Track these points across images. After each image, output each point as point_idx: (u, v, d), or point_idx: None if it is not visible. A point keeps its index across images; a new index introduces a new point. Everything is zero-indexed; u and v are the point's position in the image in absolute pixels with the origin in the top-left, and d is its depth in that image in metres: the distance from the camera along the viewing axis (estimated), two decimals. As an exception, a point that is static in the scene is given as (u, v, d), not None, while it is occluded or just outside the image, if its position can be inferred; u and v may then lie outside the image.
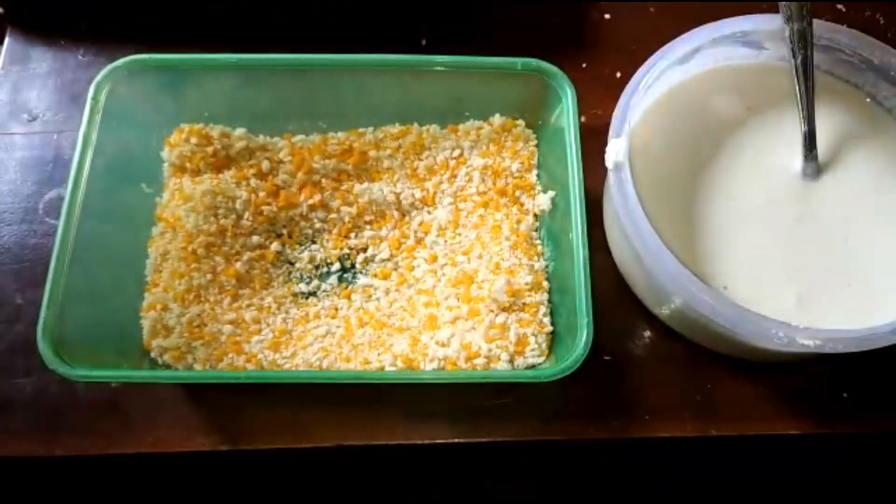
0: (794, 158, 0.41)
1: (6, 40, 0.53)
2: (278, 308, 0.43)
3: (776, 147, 0.41)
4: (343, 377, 0.39)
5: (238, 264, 0.44)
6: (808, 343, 0.33)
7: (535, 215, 0.45)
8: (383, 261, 0.45)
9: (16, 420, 0.41)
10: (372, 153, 0.46)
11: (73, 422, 0.41)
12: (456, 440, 0.41)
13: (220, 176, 0.46)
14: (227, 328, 0.42)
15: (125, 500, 0.54)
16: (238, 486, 0.54)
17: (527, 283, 0.42)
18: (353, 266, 0.46)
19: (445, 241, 0.45)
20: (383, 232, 0.46)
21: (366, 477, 0.54)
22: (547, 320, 0.41)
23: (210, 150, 0.45)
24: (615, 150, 0.38)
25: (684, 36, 0.41)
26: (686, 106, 0.43)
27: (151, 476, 0.52)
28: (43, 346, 0.36)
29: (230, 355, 0.41)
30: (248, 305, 0.43)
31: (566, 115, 0.43)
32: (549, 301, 0.42)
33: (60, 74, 0.52)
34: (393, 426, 0.41)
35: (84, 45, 0.53)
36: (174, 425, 0.41)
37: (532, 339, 0.40)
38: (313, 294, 0.45)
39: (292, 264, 0.45)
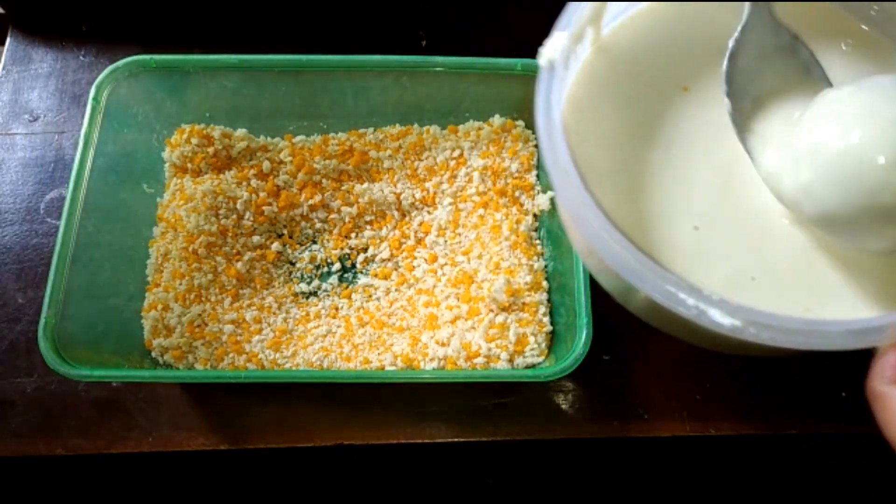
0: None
1: (8, 41, 0.53)
2: (279, 308, 0.44)
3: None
4: (343, 377, 0.39)
5: (239, 264, 0.44)
6: (723, 322, 0.24)
7: (535, 215, 0.45)
8: (384, 261, 0.45)
9: (17, 420, 0.42)
10: (372, 154, 0.47)
11: (75, 421, 0.42)
12: (456, 440, 0.41)
13: (221, 176, 0.46)
14: (228, 328, 0.42)
15: (126, 500, 0.54)
16: (238, 485, 0.54)
17: (526, 283, 0.42)
18: (353, 266, 0.46)
19: (445, 241, 0.45)
20: (384, 232, 0.46)
21: (366, 477, 0.54)
22: (546, 320, 0.42)
23: (211, 150, 0.46)
24: (553, 47, 0.27)
25: None
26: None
27: (152, 476, 0.52)
28: (44, 346, 0.36)
29: (231, 355, 0.41)
30: (249, 305, 0.43)
31: (566, 115, 0.43)
32: (549, 301, 0.43)
33: (62, 75, 0.52)
34: (393, 426, 0.42)
35: (85, 46, 0.53)
36: (175, 425, 0.41)
37: (532, 339, 0.40)
38: (314, 294, 0.45)
39: (293, 264, 0.46)
